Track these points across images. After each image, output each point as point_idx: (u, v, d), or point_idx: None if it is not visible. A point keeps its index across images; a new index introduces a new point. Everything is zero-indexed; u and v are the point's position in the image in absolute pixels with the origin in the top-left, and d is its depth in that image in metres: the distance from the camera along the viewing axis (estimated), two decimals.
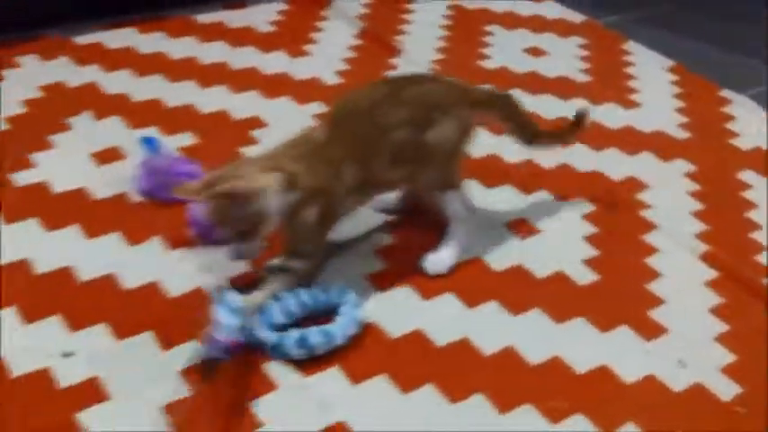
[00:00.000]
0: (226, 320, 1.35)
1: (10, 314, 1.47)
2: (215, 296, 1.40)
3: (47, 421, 1.30)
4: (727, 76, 2.39)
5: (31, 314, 1.47)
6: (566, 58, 2.48)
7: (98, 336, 1.45)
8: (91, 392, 1.34)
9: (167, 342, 1.44)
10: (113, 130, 1.96)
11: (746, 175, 2.00)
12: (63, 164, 1.84)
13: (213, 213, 1.42)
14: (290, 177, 1.43)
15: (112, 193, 1.77)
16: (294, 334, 1.41)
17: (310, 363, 1.41)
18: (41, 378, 1.36)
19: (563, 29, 2.65)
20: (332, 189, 1.48)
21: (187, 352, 1.42)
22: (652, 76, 2.42)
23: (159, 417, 1.31)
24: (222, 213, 1.41)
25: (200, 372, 1.36)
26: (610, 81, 2.37)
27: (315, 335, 1.42)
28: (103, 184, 1.79)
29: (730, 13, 2.77)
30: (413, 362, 1.45)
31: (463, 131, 1.59)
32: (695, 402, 1.42)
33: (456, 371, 1.44)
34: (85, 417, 1.30)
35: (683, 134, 2.15)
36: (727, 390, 1.44)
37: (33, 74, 2.16)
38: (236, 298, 1.40)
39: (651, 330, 1.55)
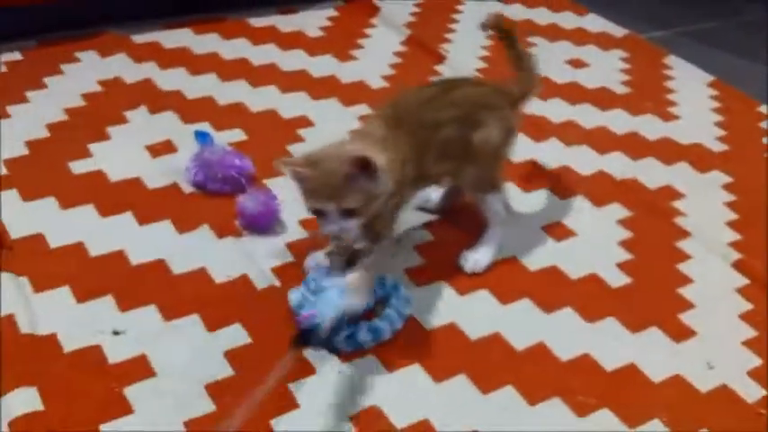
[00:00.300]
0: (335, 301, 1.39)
1: (64, 293, 1.54)
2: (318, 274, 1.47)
3: (96, 393, 1.36)
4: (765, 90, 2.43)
5: (84, 294, 1.54)
6: (606, 70, 2.52)
7: (147, 316, 1.51)
8: (138, 369, 1.41)
9: (212, 325, 1.50)
10: (167, 124, 2.04)
11: None
12: (119, 154, 1.92)
13: (324, 186, 1.37)
14: (390, 163, 1.42)
15: (165, 183, 1.84)
16: (344, 331, 1.46)
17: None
18: (92, 353, 1.43)
19: (605, 42, 2.69)
20: (403, 180, 1.50)
21: (231, 334, 1.49)
22: (691, 89, 2.45)
23: (203, 394, 1.37)
24: (336, 186, 1.36)
25: (295, 342, 1.38)
26: (649, 93, 2.41)
27: (364, 332, 1.47)
28: (157, 174, 1.86)
29: None
30: (447, 353, 1.50)
31: (507, 133, 1.64)
32: (720, 403, 1.45)
33: (487, 364, 1.48)
34: (132, 391, 1.36)
35: (720, 146, 2.18)
36: (752, 392, 1.48)
37: (92, 69, 2.24)
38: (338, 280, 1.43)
39: (680, 333, 1.59)
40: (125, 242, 1.67)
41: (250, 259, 1.66)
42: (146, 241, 1.68)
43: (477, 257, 1.69)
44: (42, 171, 1.84)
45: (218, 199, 1.80)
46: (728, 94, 2.42)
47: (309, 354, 1.46)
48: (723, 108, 2.36)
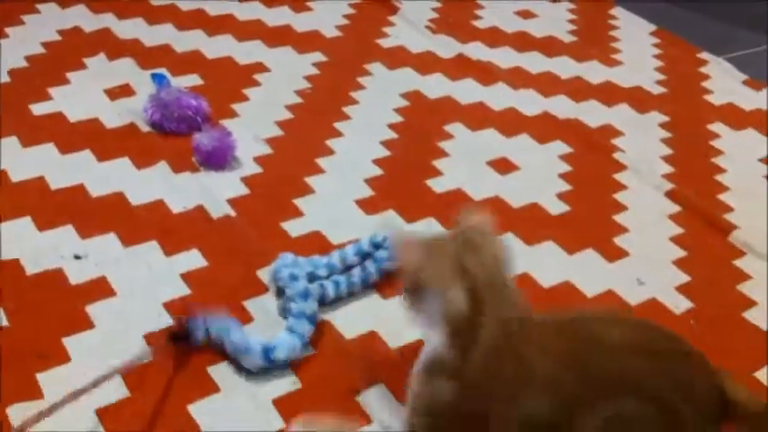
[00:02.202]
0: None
1: (27, 222, 1.60)
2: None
3: (59, 311, 1.42)
4: (707, 40, 2.53)
5: (46, 223, 1.60)
6: (554, 20, 2.60)
7: (107, 243, 1.57)
8: (99, 289, 1.47)
9: (170, 250, 1.57)
10: (126, 70, 2.10)
11: (717, 127, 2.13)
12: (78, 97, 1.97)
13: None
14: None
15: (123, 123, 1.90)
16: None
17: None
18: (55, 276, 1.49)
19: None
20: None
21: (188, 259, 1.55)
22: (635, 38, 2.55)
23: (161, 312, 1.44)
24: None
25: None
26: (594, 42, 2.50)
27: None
28: (115, 115, 1.92)
29: None
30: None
31: None
32: (649, 314, 1.54)
33: None
34: (94, 309, 1.43)
35: (659, 89, 2.28)
36: (680, 304, 1.58)
37: (52, 19, 2.29)
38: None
39: (614, 253, 1.68)
40: (85, 177, 1.73)
41: (206, 191, 1.72)
42: (105, 176, 1.74)
43: None
44: (5, 113, 1.89)
45: (174, 138, 1.86)
46: (670, 42, 2.52)
47: None
48: (664, 55, 2.46)
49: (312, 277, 1.49)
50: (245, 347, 1.34)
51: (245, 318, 1.44)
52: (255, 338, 1.36)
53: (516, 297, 1.12)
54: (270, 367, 1.35)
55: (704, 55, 2.46)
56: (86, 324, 1.40)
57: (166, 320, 1.42)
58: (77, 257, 1.54)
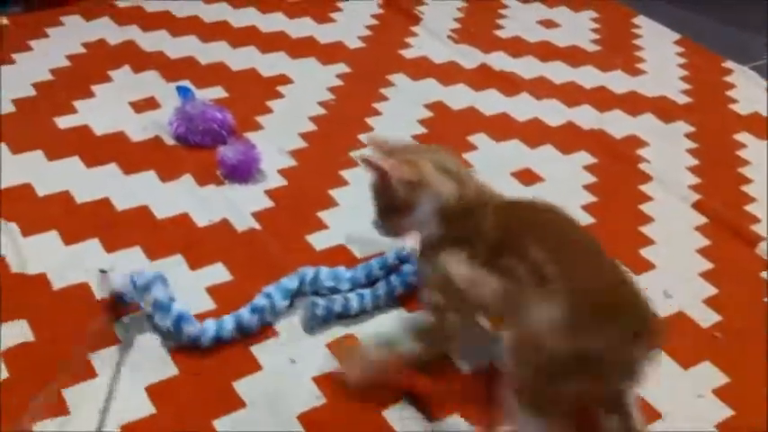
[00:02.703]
0: None
1: (52, 237, 1.61)
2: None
3: (84, 326, 1.42)
4: (731, 49, 2.51)
5: (71, 237, 1.61)
6: (577, 29, 2.59)
7: (132, 257, 1.58)
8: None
9: (195, 264, 1.57)
10: (150, 82, 2.11)
11: (743, 137, 2.12)
12: (103, 110, 1.99)
13: None
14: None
15: (148, 136, 1.91)
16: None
17: None
18: (80, 290, 1.50)
19: (576, 3, 2.76)
20: None
21: (213, 273, 1.55)
22: (659, 47, 2.53)
23: None
24: None
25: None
26: (618, 51, 2.48)
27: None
28: (140, 128, 1.93)
29: None
30: None
31: None
32: (677, 327, 1.53)
33: None
34: (119, 324, 1.43)
35: (684, 99, 2.26)
36: (708, 317, 1.56)
37: (77, 32, 2.30)
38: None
39: (640, 265, 1.67)
40: (110, 191, 1.73)
41: (231, 205, 1.73)
42: (130, 190, 1.75)
43: None
44: (30, 127, 1.91)
45: (199, 151, 1.87)
46: (694, 51, 2.50)
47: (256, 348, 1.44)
48: (688, 64, 2.44)
49: (333, 290, 1.51)
50: (162, 305, 1.39)
51: (270, 332, 1.44)
52: (178, 305, 1.41)
53: (484, 183, 1.37)
54: (177, 338, 1.39)
55: (729, 64, 2.44)
56: (112, 339, 1.41)
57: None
58: (103, 272, 1.54)
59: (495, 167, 1.91)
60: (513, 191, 1.83)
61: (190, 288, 1.51)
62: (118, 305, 1.44)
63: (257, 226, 1.68)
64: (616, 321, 1.16)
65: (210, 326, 1.41)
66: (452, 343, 1.41)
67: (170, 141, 1.90)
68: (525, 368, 1.20)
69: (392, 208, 1.34)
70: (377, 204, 1.37)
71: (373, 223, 1.39)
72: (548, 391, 1.19)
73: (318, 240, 1.66)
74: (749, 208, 1.86)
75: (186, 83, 2.06)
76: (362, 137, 1.38)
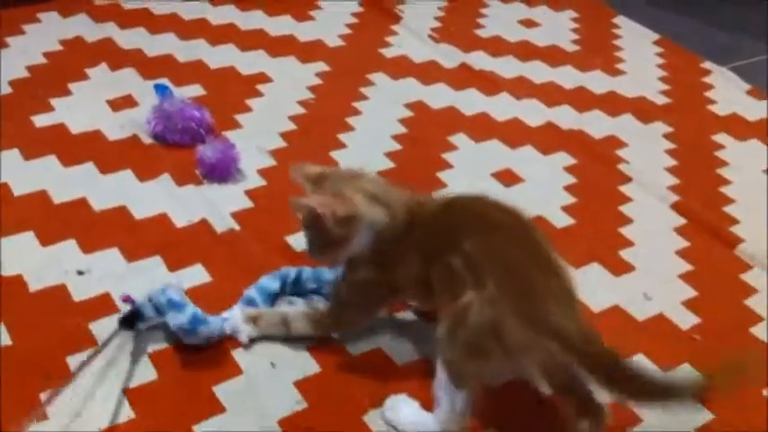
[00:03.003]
0: None
1: (28, 237, 1.59)
2: None
3: (62, 328, 1.41)
4: (710, 49, 2.52)
5: (48, 238, 1.59)
6: (557, 29, 2.59)
7: (110, 258, 1.56)
8: (103, 306, 1.46)
9: (174, 265, 1.56)
10: (128, 80, 2.09)
11: (721, 138, 2.13)
12: (80, 109, 1.97)
13: None
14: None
15: (126, 135, 1.89)
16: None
17: None
18: (57, 292, 1.48)
19: (556, 2, 2.76)
20: None
21: (192, 274, 1.54)
22: (638, 47, 2.54)
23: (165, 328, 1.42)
24: None
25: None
26: (597, 51, 2.49)
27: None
28: (118, 127, 1.91)
29: None
30: None
31: None
32: (656, 330, 1.54)
33: None
34: (97, 326, 1.41)
35: (663, 99, 2.27)
36: (687, 320, 1.57)
37: (53, 29, 2.28)
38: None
39: (620, 267, 1.67)
40: (87, 190, 1.72)
41: (210, 204, 1.71)
42: (107, 189, 1.73)
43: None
44: (6, 125, 1.88)
45: (177, 149, 1.86)
46: (673, 51, 2.51)
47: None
48: (667, 64, 2.45)
49: (315, 292, 1.52)
50: (177, 304, 1.36)
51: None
52: (192, 306, 1.38)
53: (404, 193, 1.37)
54: (190, 337, 1.37)
55: (707, 64, 2.45)
56: (90, 342, 1.39)
57: (170, 337, 1.41)
58: (80, 273, 1.53)
59: (475, 168, 1.92)
60: (494, 192, 1.83)
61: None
62: (136, 321, 1.40)
63: (237, 227, 1.67)
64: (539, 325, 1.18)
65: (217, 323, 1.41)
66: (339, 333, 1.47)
67: (148, 140, 1.88)
68: (452, 342, 1.23)
69: (327, 243, 1.32)
70: (311, 240, 1.36)
71: (309, 253, 1.38)
72: (469, 366, 1.22)
73: (298, 241, 1.64)
74: (728, 209, 1.87)
75: (164, 81, 2.04)
76: (290, 169, 1.38)
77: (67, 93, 2.02)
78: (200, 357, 1.39)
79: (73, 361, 1.35)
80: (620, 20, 2.69)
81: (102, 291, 1.49)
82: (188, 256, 1.58)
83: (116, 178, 1.77)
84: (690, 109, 2.25)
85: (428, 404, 1.30)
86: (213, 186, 1.77)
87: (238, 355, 1.40)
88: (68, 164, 1.79)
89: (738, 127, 2.18)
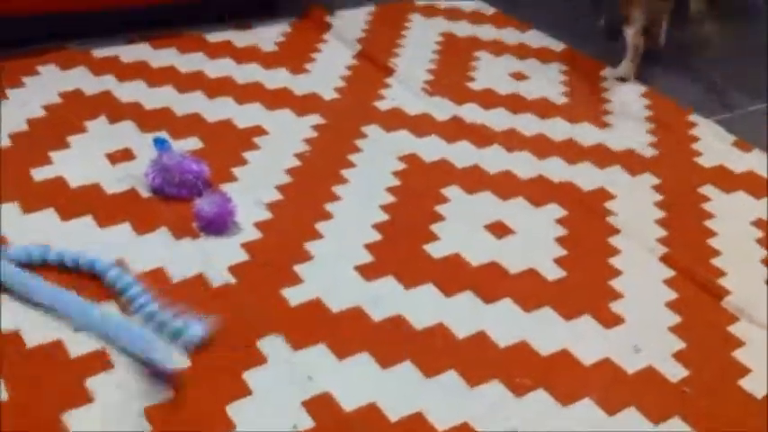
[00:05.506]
0: None
1: None
2: None
3: (58, 384, 1.43)
4: (695, 101, 2.58)
5: None
6: (546, 82, 2.64)
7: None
8: (98, 362, 1.48)
9: None
10: (126, 133, 2.13)
11: (707, 189, 2.16)
12: (79, 162, 2.00)
13: None
14: None
15: (124, 188, 1.92)
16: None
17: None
18: (54, 348, 1.50)
19: (545, 55, 2.82)
20: None
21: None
22: (626, 99, 2.58)
23: (158, 384, 1.45)
24: None
25: None
26: (586, 103, 2.54)
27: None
28: (116, 180, 1.94)
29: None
30: (393, 342, 1.59)
31: None
32: (646, 383, 1.56)
33: (431, 351, 1.58)
34: (93, 382, 1.44)
35: (651, 151, 2.31)
36: (676, 372, 1.59)
37: (53, 82, 2.32)
38: None
39: (610, 320, 1.70)
40: (85, 244, 1.73)
41: (206, 258, 1.74)
42: (105, 243, 1.75)
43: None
44: (5, 178, 1.91)
45: (175, 203, 1.89)
46: (660, 103, 2.56)
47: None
48: (655, 116, 2.49)
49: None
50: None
51: (244, 391, 1.46)
52: None
53: None
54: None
55: (694, 117, 2.50)
56: (86, 398, 1.41)
57: (167, 393, 1.43)
58: (77, 330, 1.54)
59: (467, 220, 1.95)
60: (486, 244, 1.88)
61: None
62: None
63: (233, 280, 1.69)
64: None
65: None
66: None
67: (146, 193, 1.91)
68: None
69: None
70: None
71: None
72: None
73: (293, 295, 1.67)
74: (715, 261, 1.90)
75: (162, 134, 2.07)
76: None
77: (66, 146, 2.05)
78: (210, 377, 1.41)
79: (68, 417, 1.37)
80: (608, 72, 2.74)
81: (98, 347, 1.51)
82: (183, 312, 1.59)
83: (114, 231, 1.80)
84: (677, 161, 2.30)
85: None
86: (210, 239, 1.80)
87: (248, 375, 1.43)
88: (67, 217, 1.82)
89: (725, 179, 2.22)
